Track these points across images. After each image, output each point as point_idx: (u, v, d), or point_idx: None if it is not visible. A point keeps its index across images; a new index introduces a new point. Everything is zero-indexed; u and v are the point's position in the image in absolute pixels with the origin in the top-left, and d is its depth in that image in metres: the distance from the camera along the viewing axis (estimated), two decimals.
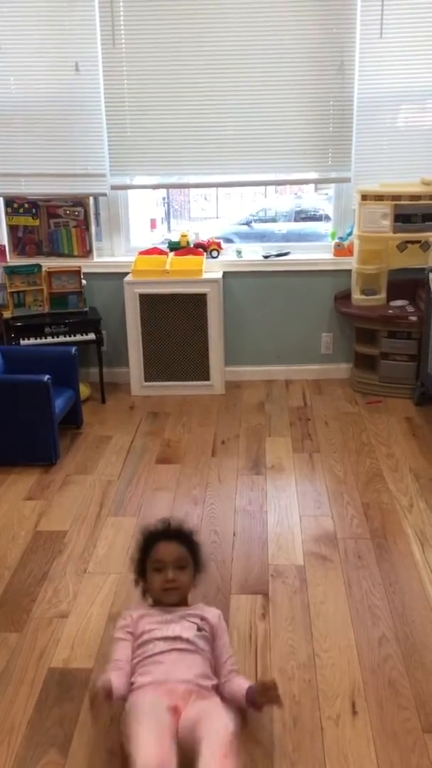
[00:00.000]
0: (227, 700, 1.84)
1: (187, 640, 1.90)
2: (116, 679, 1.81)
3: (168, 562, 2.02)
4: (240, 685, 1.88)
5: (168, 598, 2.03)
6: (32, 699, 2.02)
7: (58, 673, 2.12)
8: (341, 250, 4.44)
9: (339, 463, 3.44)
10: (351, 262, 4.31)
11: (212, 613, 2.02)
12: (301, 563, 2.63)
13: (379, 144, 4.22)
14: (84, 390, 4.19)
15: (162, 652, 1.87)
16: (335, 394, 4.38)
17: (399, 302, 4.26)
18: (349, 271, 4.33)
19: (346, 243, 4.42)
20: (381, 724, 1.90)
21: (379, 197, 4.09)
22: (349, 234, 4.40)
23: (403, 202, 4.06)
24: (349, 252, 4.37)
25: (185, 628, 1.93)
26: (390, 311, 4.19)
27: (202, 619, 1.98)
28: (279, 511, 3.02)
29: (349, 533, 2.83)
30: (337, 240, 4.48)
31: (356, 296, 4.31)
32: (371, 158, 4.24)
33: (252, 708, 1.86)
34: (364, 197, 4.11)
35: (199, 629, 1.94)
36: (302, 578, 2.54)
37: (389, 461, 3.44)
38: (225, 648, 1.97)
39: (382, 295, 4.28)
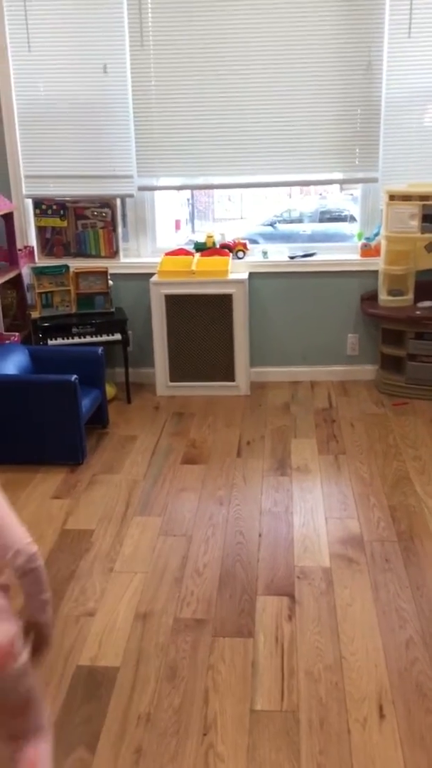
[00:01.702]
0: None
1: None
2: None
3: None
4: None
5: None
6: (60, 697, 2.04)
7: (86, 671, 2.14)
8: (368, 250, 4.41)
9: (365, 465, 3.42)
10: (378, 263, 4.28)
11: None
12: (327, 565, 2.62)
13: (407, 144, 4.18)
14: (110, 390, 4.22)
15: None
16: (361, 395, 4.35)
17: (427, 303, 4.22)
18: (376, 271, 4.30)
19: (373, 243, 4.39)
20: (409, 728, 1.89)
21: (406, 197, 4.05)
22: (376, 234, 4.37)
23: (431, 203, 4.02)
24: (376, 253, 4.34)
25: None
26: (417, 312, 4.15)
27: None
28: (305, 513, 3.01)
29: (375, 536, 2.81)
30: (363, 240, 4.45)
31: (383, 297, 4.28)
32: (399, 158, 4.20)
33: None
34: (392, 197, 4.08)
35: None
36: (328, 580, 2.53)
37: (416, 464, 3.41)
38: None
39: (410, 296, 4.25)
